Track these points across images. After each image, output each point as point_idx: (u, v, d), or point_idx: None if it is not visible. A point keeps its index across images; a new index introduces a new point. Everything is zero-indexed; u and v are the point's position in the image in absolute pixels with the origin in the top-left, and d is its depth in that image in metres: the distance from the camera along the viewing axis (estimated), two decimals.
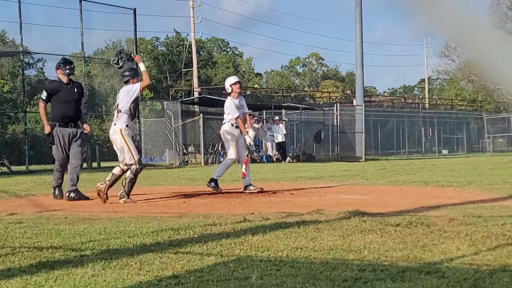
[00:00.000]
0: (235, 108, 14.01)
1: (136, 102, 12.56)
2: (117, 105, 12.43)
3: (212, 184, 13.86)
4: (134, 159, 12.18)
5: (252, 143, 14.28)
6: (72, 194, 12.74)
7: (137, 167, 12.25)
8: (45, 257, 6.08)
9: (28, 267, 5.66)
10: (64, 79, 13.15)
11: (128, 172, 12.25)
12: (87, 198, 12.74)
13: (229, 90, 14.26)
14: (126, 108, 12.26)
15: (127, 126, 12.29)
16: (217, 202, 11.73)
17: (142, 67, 12.72)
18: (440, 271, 5.07)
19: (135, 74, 12.68)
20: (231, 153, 14.10)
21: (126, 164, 12.23)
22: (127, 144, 12.17)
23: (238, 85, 14.23)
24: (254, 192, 13.48)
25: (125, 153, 12.23)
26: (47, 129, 13.05)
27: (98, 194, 12.05)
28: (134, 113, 12.53)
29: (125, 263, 5.68)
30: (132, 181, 12.24)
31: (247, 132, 14.07)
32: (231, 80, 14.38)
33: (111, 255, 6.08)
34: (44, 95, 13.21)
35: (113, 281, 5.05)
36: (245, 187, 13.81)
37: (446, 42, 77.36)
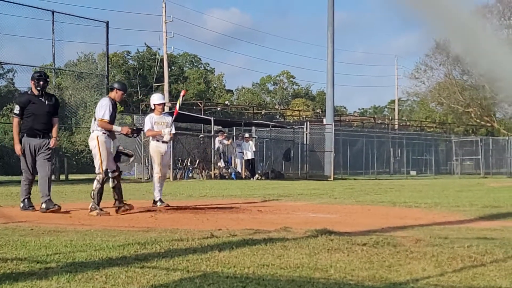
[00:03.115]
0: (149, 124, 14.35)
1: (113, 112, 12.60)
2: (95, 112, 12.60)
3: (158, 204, 14.09)
4: (102, 168, 12.26)
5: (167, 137, 14.41)
6: (43, 205, 12.68)
7: (103, 176, 12.32)
8: (10, 269, 6.03)
9: None
10: (35, 92, 13.05)
11: (95, 183, 12.31)
12: (59, 208, 12.71)
13: (152, 107, 14.58)
14: (100, 116, 12.46)
15: (104, 133, 12.39)
16: (185, 218, 11.71)
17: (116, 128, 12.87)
18: None
19: (122, 88, 12.85)
20: (156, 169, 14.44)
21: (96, 174, 12.39)
22: (99, 152, 12.30)
23: (161, 106, 14.58)
24: (161, 208, 13.73)
25: (96, 160, 12.35)
26: (18, 149, 12.94)
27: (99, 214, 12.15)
28: (110, 121, 12.59)
29: (91, 277, 5.64)
30: (100, 192, 12.32)
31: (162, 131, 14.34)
32: (155, 99, 14.62)
33: (76, 268, 6.04)
34: (17, 109, 13.08)
35: None
36: (154, 202, 14.17)
37: (416, 64, 78.24)
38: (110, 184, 12.68)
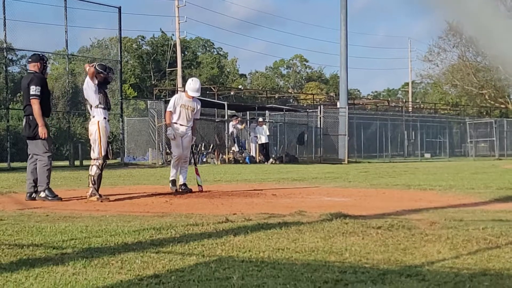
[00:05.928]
0: (172, 106, 14.34)
1: (102, 94, 12.44)
2: (87, 101, 12.48)
3: (170, 185, 14.10)
4: (101, 154, 12.22)
5: (170, 136, 14.43)
6: (33, 195, 12.38)
7: (102, 162, 12.28)
8: (26, 255, 6.05)
9: (8, 264, 5.63)
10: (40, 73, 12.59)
11: (95, 168, 12.23)
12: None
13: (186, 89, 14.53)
14: (96, 102, 12.31)
15: (104, 118, 12.34)
16: (200, 202, 11.72)
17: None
18: (420, 274, 5.07)
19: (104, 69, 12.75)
20: (174, 151, 14.57)
21: (94, 159, 12.29)
22: (100, 137, 12.21)
23: (191, 98, 14.43)
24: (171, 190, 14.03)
25: (96, 145, 12.24)
26: (46, 131, 12.26)
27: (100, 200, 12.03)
28: (106, 105, 12.44)
29: (106, 262, 5.66)
30: (100, 177, 12.28)
31: (170, 125, 14.44)
32: (190, 90, 14.39)
33: (92, 253, 6.06)
34: (38, 90, 12.24)
35: (93, 279, 5.03)
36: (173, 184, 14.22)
37: (429, 47, 77.81)
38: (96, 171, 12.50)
